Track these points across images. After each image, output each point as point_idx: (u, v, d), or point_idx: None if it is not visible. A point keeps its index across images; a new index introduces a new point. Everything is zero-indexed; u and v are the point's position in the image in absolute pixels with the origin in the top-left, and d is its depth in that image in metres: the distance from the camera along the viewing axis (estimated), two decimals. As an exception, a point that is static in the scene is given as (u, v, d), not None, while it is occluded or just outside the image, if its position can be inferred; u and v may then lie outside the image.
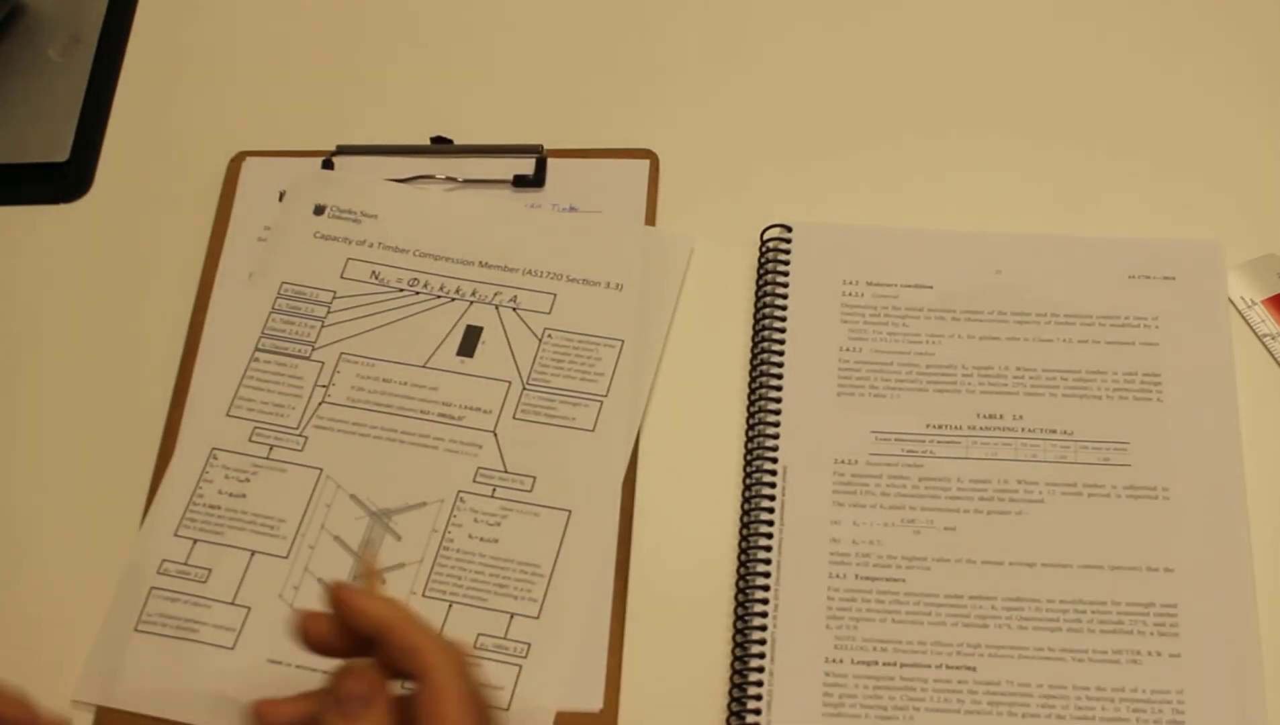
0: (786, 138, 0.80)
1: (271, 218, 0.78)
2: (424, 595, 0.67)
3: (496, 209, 0.78)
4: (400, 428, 0.71)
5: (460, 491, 0.70)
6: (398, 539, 0.69)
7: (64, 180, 0.81)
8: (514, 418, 0.72)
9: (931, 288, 0.74)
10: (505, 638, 0.66)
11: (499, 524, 0.69)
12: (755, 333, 0.74)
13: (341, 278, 0.76)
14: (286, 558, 0.69)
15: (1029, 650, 0.65)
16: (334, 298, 0.75)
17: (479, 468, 0.70)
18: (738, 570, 0.68)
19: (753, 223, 0.76)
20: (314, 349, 0.74)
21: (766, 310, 0.74)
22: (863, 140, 0.80)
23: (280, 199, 0.79)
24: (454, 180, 0.79)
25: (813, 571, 0.67)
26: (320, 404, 0.72)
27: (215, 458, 0.71)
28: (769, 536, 0.68)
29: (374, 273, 0.76)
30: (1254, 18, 0.82)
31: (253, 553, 0.69)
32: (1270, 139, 0.78)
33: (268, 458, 0.71)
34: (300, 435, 0.71)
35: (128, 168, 0.82)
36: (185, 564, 0.69)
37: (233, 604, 0.68)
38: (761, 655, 0.65)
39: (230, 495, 0.70)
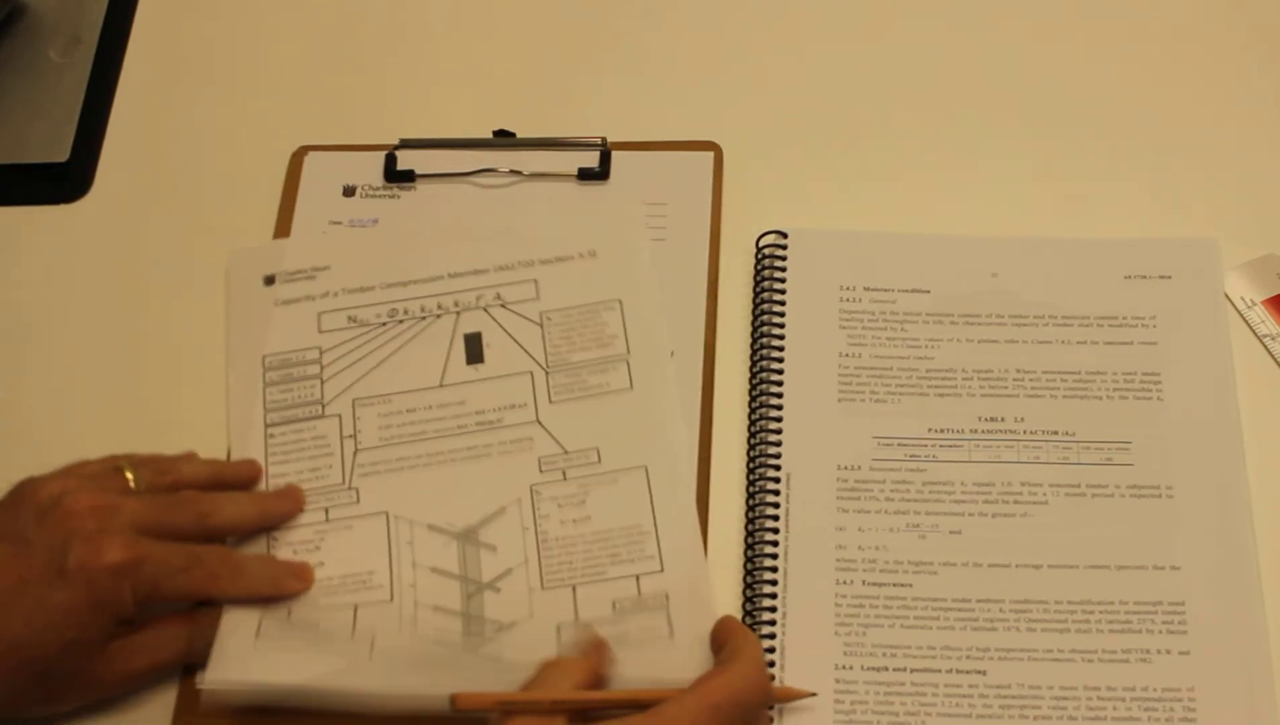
0: (780, 144, 0.80)
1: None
2: (544, 588, 0.67)
3: (437, 228, 0.77)
4: (445, 448, 0.70)
5: (532, 485, 0.69)
6: (493, 550, 0.68)
7: (64, 180, 0.81)
8: (551, 402, 0.71)
9: (929, 292, 0.74)
10: (641, 595, 0.66)
11: (583, 503, 0.68)
12: (754, 340, 0.74)
13: (320, 332, 0.74)
14: (392, 601, 0.67)
15: (1038, 652, 0.65)
16: (321, 353, 0.74)
17: (540, 458, 0.70)
18: (744, 579, 0.67)
19: (748, 229, 0.76)
20: (324, 406, 0.72)
21: (765, 317, 0.74)
22: (857, 145, 0.80)
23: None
24: (518, 174, 0.79)
25: (819, 578, 0.67)
26: (356, 453, 0.71)
27: (275, 539, 0.69)
28: (775, 544, 0.68)
29: (350, 317, 0.74)
30: (1252, 13, 0.83)
31: (356, 606, 0.67)
32: (1269, 138, 0.79)
33: (327, 521, 0.69)
34: (350, 489, 0.70)
35: (128, 168, 0.82)
36: (288, 620, 0.66)
37: (352, 639, 0.65)
38: (771, 664, 0.65)
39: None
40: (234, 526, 0.68)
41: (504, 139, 0.80)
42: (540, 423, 0.70)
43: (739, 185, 0.78)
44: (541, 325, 0.73)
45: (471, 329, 0.74)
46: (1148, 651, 0.65)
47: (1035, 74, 0.82)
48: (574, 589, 0.66)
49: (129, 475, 0.66)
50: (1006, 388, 0.72)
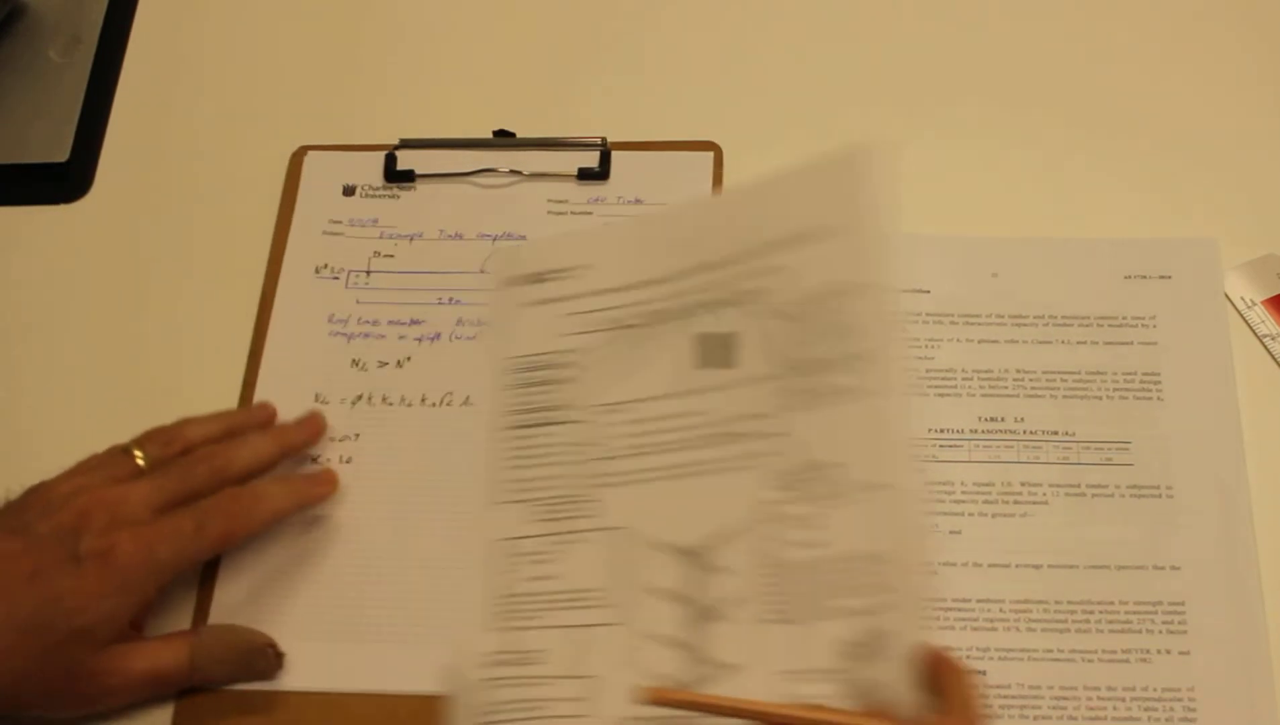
0: (780, 144, 0.80)
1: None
2: (774, 621, 0.61)
3: (687, 211, 0.72)
4: (686, 461, 0.65)
5: (769, 503, 0.63)
6: (722, 573, 0.63)
7: (64, 180, 0.81)
8: (793, 410, 0.63)
9: (929, 292, 0.74)
10: (875, 637, 0.59)
11: (824, 526, 0.61)
12: (754, 340, 0.74)
13: (571, 335, 0.70)
14: (615, 625, 0.63)
15: (1038, 652, 0.65)
16: (569, 354, 0.69)
17: (779, 473, 0.63)
18: (744, 579, 0.67)
19: (748, 230, 0.76)
20: (568, 411, 0.68)
21: (765, 317, 0.74)
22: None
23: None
24: (518, 174, 0.79)
25: (820, 578, 0.67)
26: (596, 461, 0.66)
27: (509, 547, 0.66)
28: (775, 544, 0.68)
29: (606, 318, 0.69)
30: (1252, 13, 0.82)
31: (581, 627, 0.64)
32: (1269, 138, 0.78)
33: (563, 532, 0.66)
34: (587, 500, 0.66)
35: (128, 168, 0.82)
36: (515, 652, 0.64)
37: (577, 678, 0.63)
38: (771, 663, 0.65)
39: (537, 579, 0.65)
40: (254, 468, 0.67)
41: (504, 139, 0.80)
42: (783, 435, 0.63)
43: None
44: (788, 320, 0.65)
45: (722, 329, 0.66)
46: (1148, 651, 0.65)
47: (1035, 74, 0.81)
48: (806, 624, 0.60)
49: (136, 453, 0.65)
50: (1006, 388, 0.72)
